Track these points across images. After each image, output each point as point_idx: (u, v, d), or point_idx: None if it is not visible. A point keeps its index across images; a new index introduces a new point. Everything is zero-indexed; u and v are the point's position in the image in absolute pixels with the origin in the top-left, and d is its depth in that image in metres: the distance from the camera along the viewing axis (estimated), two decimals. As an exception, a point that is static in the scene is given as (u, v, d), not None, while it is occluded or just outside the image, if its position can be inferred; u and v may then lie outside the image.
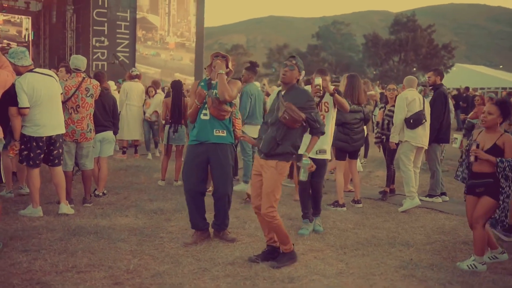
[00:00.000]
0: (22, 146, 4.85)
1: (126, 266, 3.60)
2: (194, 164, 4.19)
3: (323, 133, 3.81)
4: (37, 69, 4.91)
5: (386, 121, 6.33)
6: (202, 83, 4.29)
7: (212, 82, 4.23)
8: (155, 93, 9.30)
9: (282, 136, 3.59)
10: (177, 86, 6.91)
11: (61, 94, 5.12)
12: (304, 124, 3.68)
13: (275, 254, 3.79)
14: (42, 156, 4.91)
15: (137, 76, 9.34)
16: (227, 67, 4.23)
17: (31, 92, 4.69)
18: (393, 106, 6.23)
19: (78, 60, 5.55)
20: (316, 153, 4.62)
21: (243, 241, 4.31)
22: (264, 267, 3.65)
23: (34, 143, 4.81)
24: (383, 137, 6.35)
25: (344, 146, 5.71)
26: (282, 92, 3.77)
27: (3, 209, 4.85)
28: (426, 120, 5.85)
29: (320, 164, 4.57)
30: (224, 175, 4.20)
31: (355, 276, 3.54)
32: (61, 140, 5.02)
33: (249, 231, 4.61)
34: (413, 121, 5.75)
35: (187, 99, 7.16)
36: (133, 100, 8.99)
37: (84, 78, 5.51)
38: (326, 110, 4.86)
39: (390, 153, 6.29)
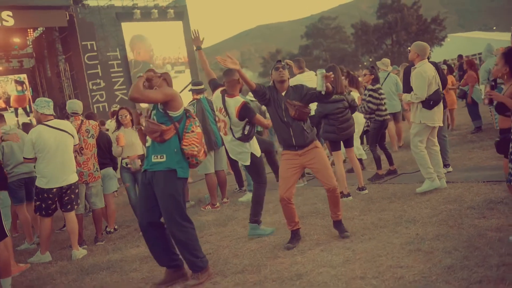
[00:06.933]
0: (35, 198, 5.03)
1: (139, 294, 3.67)
2: (140, 194, 3.78)
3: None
4: (51, 122, 5.02)
5: (361, 106, 6.41)
6: None
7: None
8: (132, 121, 6.14)
9: (306, 125, 4.21)
10: None
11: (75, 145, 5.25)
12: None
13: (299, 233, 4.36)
14: (54, 206, 5.05)
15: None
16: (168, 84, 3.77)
17: (38, 144, 4.88)
18: (366, 89, 6.38)
19: (75, 104, 5.74)
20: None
21: (251, 248, 4.36)
22: (272, 269, 3.69)
23: (45, 194, 4.96)
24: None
25: (333, 137, 5.72)
26: (283, 93, 4.23)
27: (19, 262, 4.98)
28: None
29: None
30: (164, 210, 3.58)
31: (361, 260, 3.55)
32: (73, 187, 5.13)
33: (257, 239, 4.66)
34: (433, 103, 5.21)
35: None
36: None
37: (82, 120, 5.70)
38: (225, 115, 4.74)
39: (370, 136, 6.39)
